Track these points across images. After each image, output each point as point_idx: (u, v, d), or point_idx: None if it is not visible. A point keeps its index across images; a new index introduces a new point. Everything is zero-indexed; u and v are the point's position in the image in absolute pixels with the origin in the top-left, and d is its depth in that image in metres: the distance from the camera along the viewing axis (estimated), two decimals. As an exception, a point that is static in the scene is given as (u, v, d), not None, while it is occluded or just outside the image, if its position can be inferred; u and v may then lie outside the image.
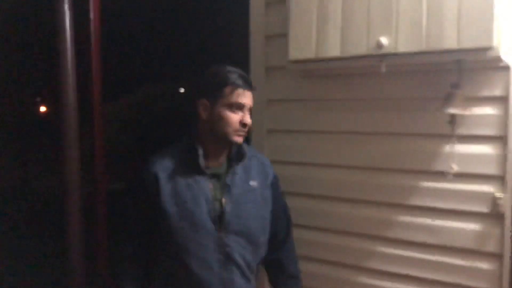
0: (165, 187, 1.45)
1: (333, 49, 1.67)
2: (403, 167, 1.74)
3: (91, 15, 2.12)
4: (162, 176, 1.46)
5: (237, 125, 1.44)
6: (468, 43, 1.46)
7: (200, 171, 1.47)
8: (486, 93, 1.59)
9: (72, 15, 1.89)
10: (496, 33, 1.43)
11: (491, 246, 1.61)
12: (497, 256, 1.60)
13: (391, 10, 1.56)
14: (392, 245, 1.78)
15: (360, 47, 1.61)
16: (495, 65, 1.55)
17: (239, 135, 1.46)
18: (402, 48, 1.55)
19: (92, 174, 2.23)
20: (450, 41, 1.48)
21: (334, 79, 1.87)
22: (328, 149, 1.91)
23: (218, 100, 1.44)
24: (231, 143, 1.49)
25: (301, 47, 1.74)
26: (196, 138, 1.50)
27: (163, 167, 1.48)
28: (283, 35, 1.83)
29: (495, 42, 1.44)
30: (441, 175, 1.62)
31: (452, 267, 1.67)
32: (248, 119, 1.46)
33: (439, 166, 1.65)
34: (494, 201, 1.60)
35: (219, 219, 1.45)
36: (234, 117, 1.44)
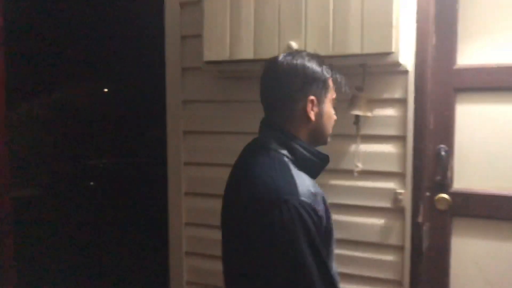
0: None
1: (247, 51, 1.70)
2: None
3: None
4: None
5: None
6: (370, 49, 1.55)
7: None
8: (387, 95, 1.69)
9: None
10: (395, 40, 1.54)
11: (393, 239, 1.72)
12: (399, 248, 1.72)
13: (300, 15, 1.61)
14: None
15: (272, 50, 1.65)
16: (395, 69, 1.66)
17: None
18: (311, 52, 1.61)
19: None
20: (354, 47, 1.56)
21: (249, 80, 1.89)
22: (240, 150, 1.92)
23: (326, 95, 1.19)
24: (324, 145, 1.27)
25: (216, 48, 1.74)
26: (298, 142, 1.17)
27: (317, 186, 1.15)
28: (198, 36, 1.82)
29: (394, 48, 1.54)
30: (348, 173, 1.71)
31: (359, 260, 1.76)
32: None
33: (346, 165, 1.74)
34: (395, 197, 1.71)
35: None
36: (334, 115, 1.25)
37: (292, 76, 1.15)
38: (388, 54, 1.55)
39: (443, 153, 1.73)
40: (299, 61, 1.16)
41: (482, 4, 1.69)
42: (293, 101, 1.15)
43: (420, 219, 1.70)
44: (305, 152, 1.15)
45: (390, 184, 1.72)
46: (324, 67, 1.18)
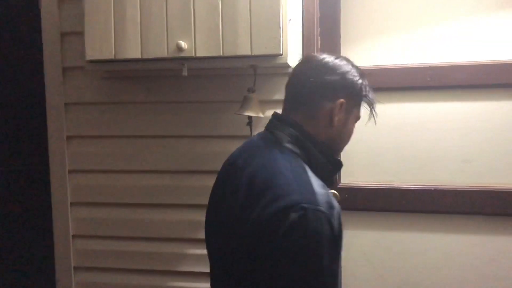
0: None
1: (133, 51, 1.61)
2: (205, 168, 1.78)
3: None
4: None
5: None
6: (259, 50, 1.55)
7: None
8: (278, 96, 1.72)
9: None
10: (284, 42, 1.57)
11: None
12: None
13: (189, 14, 1.57)
14: (199, 246, 1.82)
15: (161, 50, 1.59)
16: (284, 71, 1.70)
17: None
18: (201, 52, 1.58)
19: None
20: (244, 48, 1.56)
21: (137, 81, 1.81)
22: (132, 155, 1.84)
23: (354, 108, 1.10)
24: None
25: (99, 47, 1.62)
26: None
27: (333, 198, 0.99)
28: (80, 33, 1.69)
29: (283, 50, 1.57)
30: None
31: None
32: None
33: (240, 166, 1.74)
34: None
35: None
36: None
37: (332, 74, 1.05)
38: (277, 56, 1.57)
39: (330, 151, 1.82)
40: (343, 62, 1.08)
41: (361, 9, 1.81)
42: (323, 99, 1.05)
43: (312, 215, 1.76)
44: (319, 156, 1.04)
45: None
46: (364, 83, 1.10)
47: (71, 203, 1.90)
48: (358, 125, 1.80)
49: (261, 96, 1.68)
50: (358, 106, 1.12)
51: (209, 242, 1.15)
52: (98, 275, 1.90)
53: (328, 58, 1.08)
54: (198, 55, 1.57)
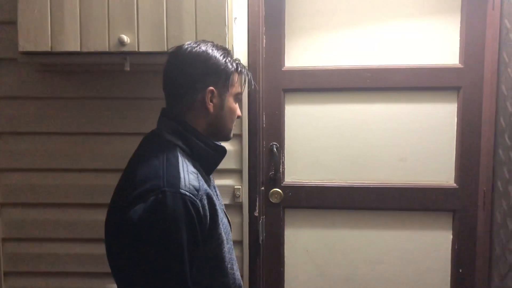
0: (218, 207, 1.07)
1: (72, 43, 1.53)
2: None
3: None
4: (212, 193, 1.05)
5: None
6: (205, 47, 1.54)
7: (209, 178, 1.16)
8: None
9: None
10: (229, 40, 1.56)
11: (233, 235, 1.75)
12: (238, 243, 1.77)
13: (132, 8, 1.52)
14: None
15: (102, 43, 1.52)
16: (230, 69, 1.69)
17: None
18: (144, 47, 1.53)
19: None
20: (189, 44, 1.54)
21: (75, 75, 1.73)
22: (69, 152, 1.76)
23: (227, 89, 1.12)
24: (226, 140, 1.19)
25: (34, 38, 1.53)
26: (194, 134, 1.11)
27: (203, 180, 1.04)
28: (13, 23, 1.59)
29: (228, 47, 1.56)
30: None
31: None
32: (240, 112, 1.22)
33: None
34: (234, 193, 1.75)
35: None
36: (237, 110, 1.17)
37: (193, 66, 1.09)
38: (223, 53, 1.57)
39: (274, 150, 1.84)
40: (202, 49, 1.10)
41: (305, 10, 1.84)
42: (193, 91, 1.09)
43: (256, 213, 1.77)
44: (200, 144, 1.10)
45: (229, 181, 1.76)
46: (228, 60, 1.13)
47: (1, 204, 1.78)
48: (300, 125, 1.86)
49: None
50: (231, 84, 1.14)
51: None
52: (30, 280, 1.79)
53: (190, 48, 1.11)
54: (141, 50, 1.53)
